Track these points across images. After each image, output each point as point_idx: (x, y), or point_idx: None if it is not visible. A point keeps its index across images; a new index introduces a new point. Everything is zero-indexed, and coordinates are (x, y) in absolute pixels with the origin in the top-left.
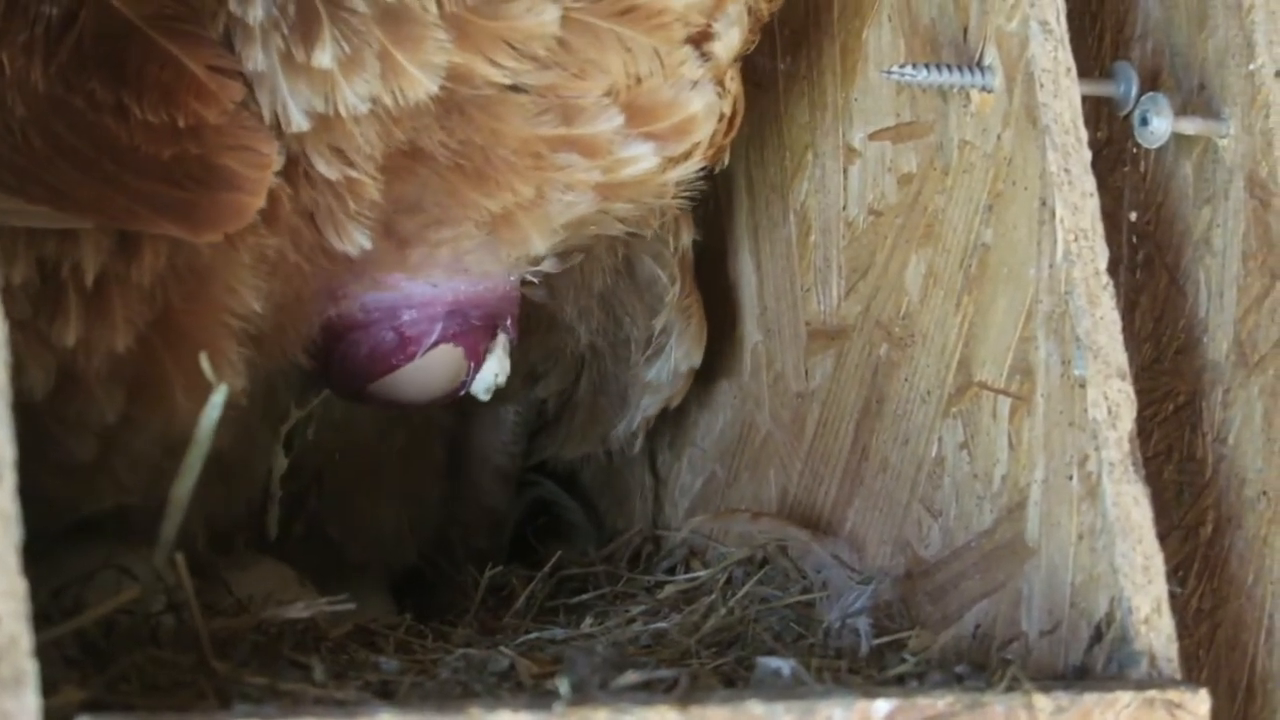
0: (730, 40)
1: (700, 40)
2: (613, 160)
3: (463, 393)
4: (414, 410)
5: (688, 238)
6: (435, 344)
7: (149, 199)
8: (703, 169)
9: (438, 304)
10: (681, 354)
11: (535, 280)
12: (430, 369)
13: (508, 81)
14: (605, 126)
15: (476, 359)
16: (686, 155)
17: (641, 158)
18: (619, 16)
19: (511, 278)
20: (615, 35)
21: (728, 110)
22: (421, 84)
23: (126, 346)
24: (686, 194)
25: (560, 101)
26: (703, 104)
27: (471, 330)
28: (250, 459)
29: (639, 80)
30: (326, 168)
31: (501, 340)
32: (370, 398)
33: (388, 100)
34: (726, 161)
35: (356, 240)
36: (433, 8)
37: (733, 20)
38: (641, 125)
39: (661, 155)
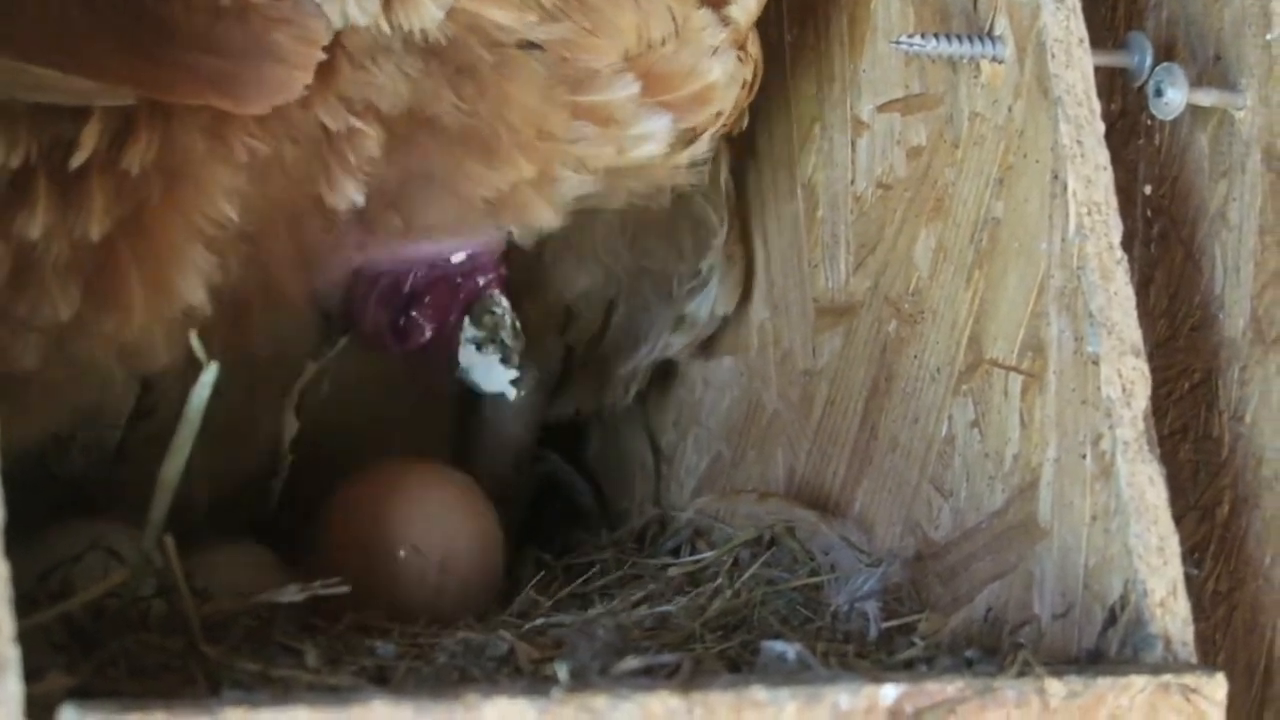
0: (748, 3)
1: (717, 3)
2: (626, 134)
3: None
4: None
5: (726, 170)
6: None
7: (192, 70)
8: (720, 135)
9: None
10: (722, 294)
11: None
12: None
13: (516, 36)
14: (620, 94)
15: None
16: (707, 126)
17: (657, 132)
18: None
19: None
20: None
21: (749, 77)
22: (428, 9)
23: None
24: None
25: (573, 65)
26: (723, 71)
27: None
28: (254, 418)
29: (652, 45)
30: (331, 119)
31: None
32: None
33: (386, 27)
34: (745, 125)
35: (349, 195)
36: None
37: None
38: (659, 94)
39: (678, 127)
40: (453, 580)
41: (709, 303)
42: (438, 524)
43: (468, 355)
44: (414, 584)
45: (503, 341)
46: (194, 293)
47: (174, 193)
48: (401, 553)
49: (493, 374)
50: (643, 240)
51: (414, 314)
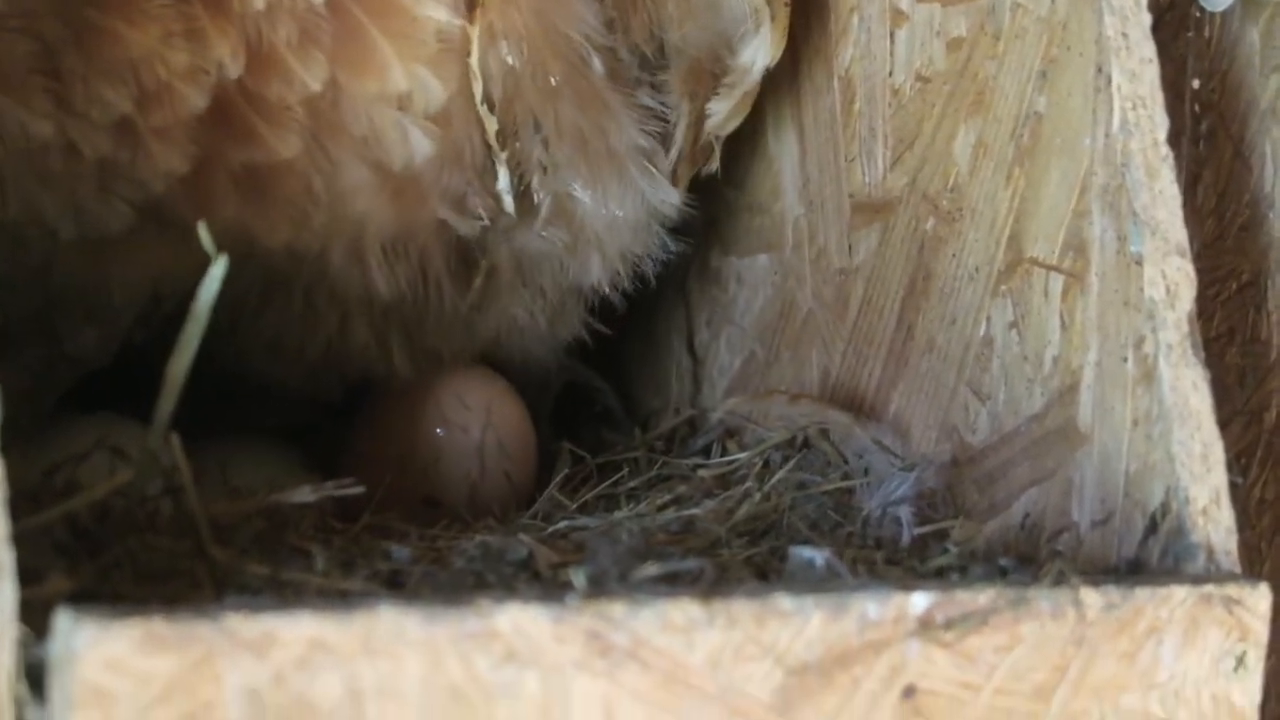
0: None
1: None
2: None
3: None
4: None
5: None
6: None
7: None
8: None
9: None
10: (773, 39)
11: None
12: None
13: None
14: None
15: None
16: None
17: None
18: None
19: None
20: None
21: None
22: None
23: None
24: None
25: None
26: None
27: None
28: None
29: None
30: None
31: None
32: None
33: None
34: None
35: None
36: None
37: None
38: None
39: None
40: (491, 464)
41: (764, 50)
42: (476, 413)
43: None
44: (454, 466)
45: None
46: (436, 10)
47: None
48: (440, 431)
49: None
50: None
51: None
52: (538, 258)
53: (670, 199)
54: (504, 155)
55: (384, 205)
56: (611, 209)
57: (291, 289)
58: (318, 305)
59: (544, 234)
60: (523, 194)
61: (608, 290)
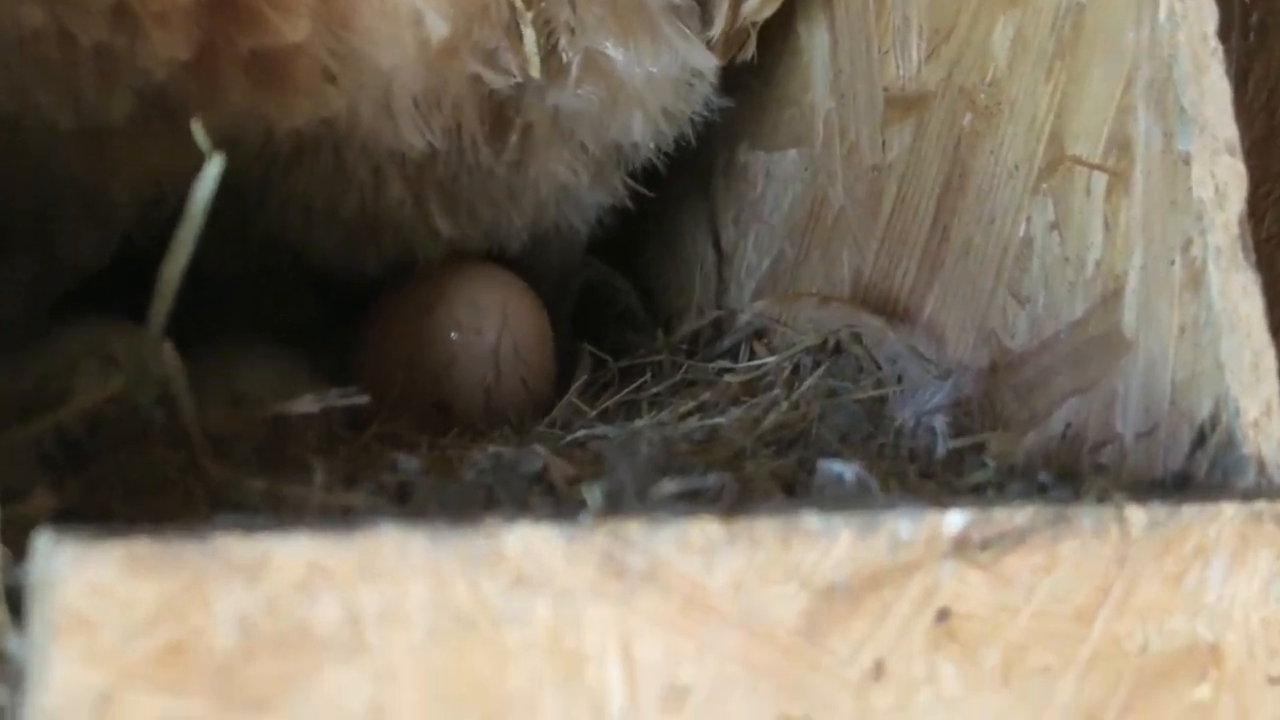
0: None
1: None
2: None
3: None
4: None
5: None
6: None
7: None
8: None
9: None
10: None
11: None
12: None
13: None
14: None
15: None
16: None
17: None
18: None
19: None
20: None
21: None
22: None
23: None
24: None
25: None
26: None
27: None
28: None
29: None
30: None
31: None
32: None
33: None
34: None
35: None
36: None
37: None
38: None
39: None
40: (507, 369)
41: None
42: (491, 312)
43: None
44: (468, 371)
45: None
46: None
47: None
48: (454, 335)
49: None
50: None
51: None
52: (575, 115)
53: (708, 61)
54: (529, 16)
55: (412, 60)
56: (646, 66)
57: (320, 146)
58: (348, 161)
59: (579, 92)
60: (551, 53)
61: (651, 148)
